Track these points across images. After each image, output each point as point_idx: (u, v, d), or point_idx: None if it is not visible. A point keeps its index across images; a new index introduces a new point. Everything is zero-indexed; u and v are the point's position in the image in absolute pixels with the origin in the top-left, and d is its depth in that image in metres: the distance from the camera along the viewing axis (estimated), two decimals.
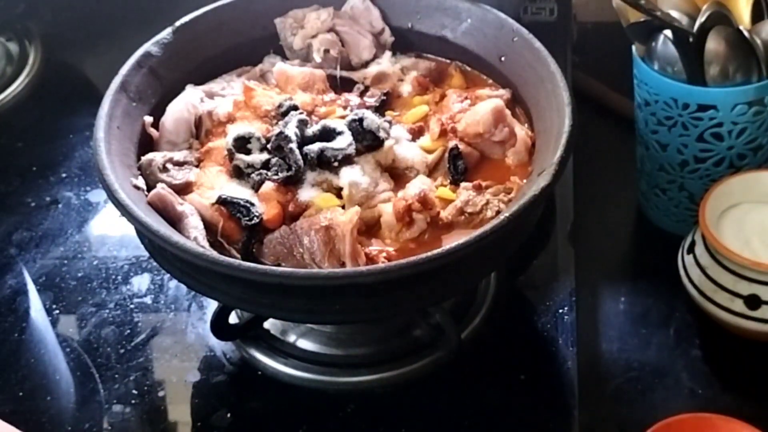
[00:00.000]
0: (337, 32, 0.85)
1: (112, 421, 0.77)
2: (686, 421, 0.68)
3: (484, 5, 0.81)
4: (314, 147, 0.72)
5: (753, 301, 0.74)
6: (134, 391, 0.78)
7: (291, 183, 0.71)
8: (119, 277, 0.88)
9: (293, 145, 0.71)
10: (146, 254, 0.73)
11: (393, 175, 0.74)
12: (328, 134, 0.73)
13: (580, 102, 0.77)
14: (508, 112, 0.75)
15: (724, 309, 0.75)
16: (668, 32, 0.79)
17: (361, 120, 0.74)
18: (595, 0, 1.04)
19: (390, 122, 0.76)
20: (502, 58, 0.79)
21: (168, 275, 0.82)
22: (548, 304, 0.82)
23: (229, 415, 0.76)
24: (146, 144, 0.76)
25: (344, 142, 0.72)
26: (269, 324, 0.80)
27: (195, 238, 0.68)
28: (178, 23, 0.82)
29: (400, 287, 0.65)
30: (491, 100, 0.76)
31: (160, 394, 0.79)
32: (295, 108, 0.76)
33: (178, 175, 0.74)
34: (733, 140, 0.80)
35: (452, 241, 0.65)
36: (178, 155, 0.75)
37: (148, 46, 0.79)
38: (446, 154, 0.74)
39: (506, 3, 0.85)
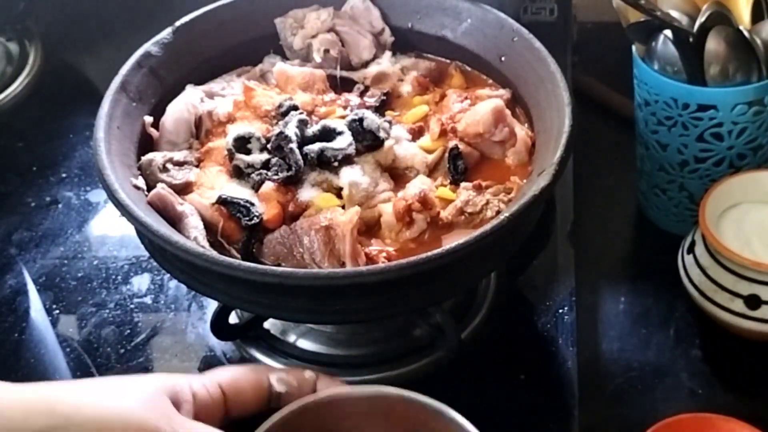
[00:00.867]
0: (337, 32, 0.85)
1: None
2: (686, 421, 0.68)
3: (484, 5, 0.81)
4: (314, 147, 0.72)
5: (753, 301, 0.74)
6: None
7: (291, 183, 0.71)
8: (119, 277, 0.88)
9: (293, 145, 0.71)
10: (146, 254, 0.73)
11: (393, 175, 0.74)
12: (328, 134, 0.73)
13: (580, 102, 0.77)
14: (508, 112, 0.75)
15: (724, 309, 0.75)
16: (668, 32, 0.79)
17: (361, 120, 0.74)
18: (595, 0, 1.04)
19: (390, 122, 0.76)
20: (502, 58, 0.79)
21: (168, 275, 0.82)
22: (548, 304, 0.82)
23: None
24: (146, 144, 0.76)
25: (344, 142, 0.72)
26: (269, 324, 0.80)
27: (195, 238, 0.68)
28: (178, 23, 0.81)
29: (400, 287, 0.65)
30: (491, 100, 0.76)
31: None
32: (295, 108, 0.76)
33: (178, 175, 0.73)
34: (733, 140, 0.80)
35: (452, 241, 0.65)
36: (178, 155, 0.75)
37: (148, 46, 0.79)
38: (446, 154, 0.74)
39: (506, 3, 0.85)
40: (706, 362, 0.79)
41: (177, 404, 0.61)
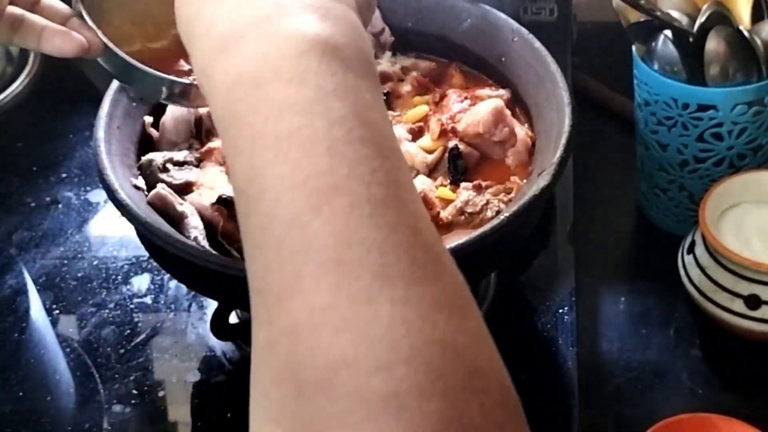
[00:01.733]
0: None
1: (112, 421, 0.77)
2: (686, 421, 0.68)
3: (484, 5, 0.81)
4: None
5: (753, 301, 0.74)
6: (134, 391, 0.78)
7: None
8: (119, 277, 0.88)
9: None
10: (146, 254, 0.73)
11: None
12: None
13: (580, 102, 0.77)
14: (508, 112, 0.75)
15: (724, 309, 0.75)
16: (668, 32, 0.79)
17: None
18: (595, 0, 1.04)
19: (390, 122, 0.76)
20: (502, 58, 0.79)
21: (168, 275, 0.82)
22: (548, 304, 0.82)
23: (229, 415, 0.76)
24: (146, 144, 0.76)
25: None
26: None
27: (195, 238, 0.68)
28: None
29: None
30: (491, 100, 0.76)
31: (160, 394, 0.79)
32: None
33: (178, 175, 0.73)
34: (733, 140, 0.80)
35: (452, 241, 0.65)
36: (178, 155, 0.75)
37: None
38: (446, 154, 0.74)
39: (506, 3, 0.85)
40: (706, 362, 0.79)
41: None
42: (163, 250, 0.66)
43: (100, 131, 0.71)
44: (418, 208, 0.39)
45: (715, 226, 0.77)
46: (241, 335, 0.79)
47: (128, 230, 0.77)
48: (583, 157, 0.89)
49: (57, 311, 0.86)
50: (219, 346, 0.81)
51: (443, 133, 0.75)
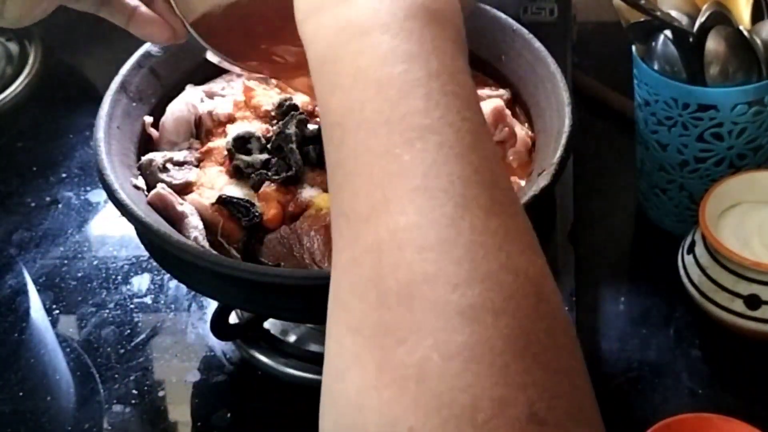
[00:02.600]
0: None
1: (112, 421, 0.77)
2: (686, 421, 0.68)
3: (484, 5, 0.81)
4: (314, 147, 0.72)
5: (753, 301, 0.74)
6: (134, 391, 0.78)
7: (291, 183, 0.71)
8: (119, 277, 0.88)
9: (293, 145, 0.71)
10: (146, 254, 0.73)
11: None
12: None
13: (580, 102, 0.77)
14: (508, 112, 0.75)
15: (724, 309, 0.75)
16: (668, 32, 0.79)
17: None
18: (596, 0, 1.04)
19: None
20: (502, 58, 0.79)
21: (168, 275, 0.82)
22: None
23: (229, 415, 0.76)
24: (146, 144, 0.76)
25: None
26: (269, 324, 0.80)
27: (195, 238, 0.68)
28: None
29: None
30: (491, 100, 0.76)
31: (160, 394, 0.79)
32: (295, 108, 0.76)
33: (178, 175, 0.73)
34: (733, 140, 0.80)
35: None
36: (178, 155, 0.75)
37: (148, 46, 0.79)
38: None
39: (506, 3, 0.85)
40: (706, 362, 0.79)
41: None
42: (163, 250, 0.66)
43: (100, 131, 0.71)
44: (497, 159, 0.43)
45: (715, 226, 0.77)
46: (241, 335, 0.79)
47: (128, 230, 0.78)
48: (583, 157, 0.89)
49: (57, 311, 0.86)
50: (219, 346, 0.81)
51: None
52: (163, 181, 0.72)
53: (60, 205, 0.97)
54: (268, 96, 0.78)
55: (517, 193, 0.44)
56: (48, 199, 0.98)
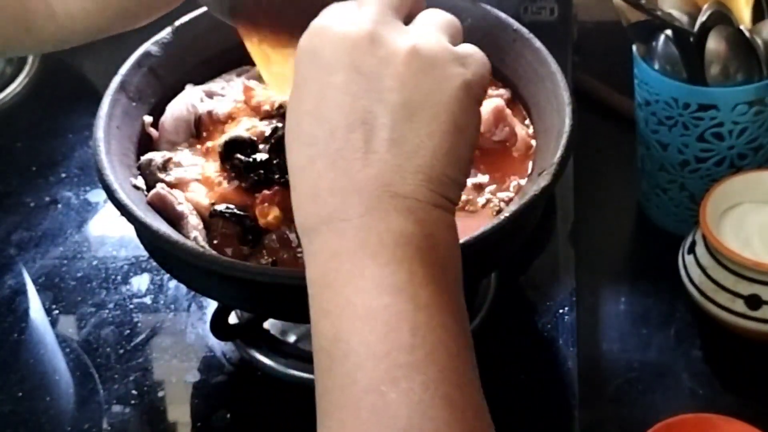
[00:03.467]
0: None
1: (112, 421, 0.76)
2: (687, 421, 0.68)
3: (484, 5, 0.81)
4: None
5: (754, 302, 0.74)
6: (134, 391, 0.78)
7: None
8: (119, 277, 0.88)
9: None
10: (146, 254, 0.73)
11: None
12: None
13: (581, 102, 0.77)
14: (508, 111, 0.75)
15: (724, 309, 0.75)
16: (669, 32, 0.79)
17: None
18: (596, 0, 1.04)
19: None
20: (503, 58, 0.79)
21: (168, 275, 0.82)
22: (548, 304, 0.82)
23: (229, 415, 0.76)
24: (146, 144, 0.76)
25: None
26: (269, 324, 0.80)
27: (195, 238, 0.68)
28: (177, 23, 0.81)
29: None
30: (491, 100, 0.76)
31: (160, 394, 0.78)
32: None
33: (178, 175, 0.73)
34: (733, 140, 0.80)
35: None
36: (178, 155, 0.75)
37: (148, 46, 0.79)
38: None
39: (506, 3, 0.84)
40: (707, 362, 0.79)
41: None
42: (163, 250, 0.66)
43: (100, 131, 0.71)
44: (479, 390, 0.45)
45: (715, 226, 0.77)
46: (240, 335, 0.79)
47: (128, 230, 0.77)
48: (584, 157, 0.89)
49: (56, 311, 0.86)
50: (219, 346, 0.81)
51: None
52: (162, 180, 0.72)
53: (59, 205, 0.97)
54: (268, 96, 0.78)
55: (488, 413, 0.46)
56: (47, 199, 0.98)
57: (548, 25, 0.93)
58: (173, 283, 0.86)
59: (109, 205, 0.68)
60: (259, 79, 0.83)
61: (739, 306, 0.75)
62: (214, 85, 0.81)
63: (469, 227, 0.69)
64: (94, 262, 0.90)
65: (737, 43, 0.77)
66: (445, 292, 0.45)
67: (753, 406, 0.75)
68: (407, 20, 0.51)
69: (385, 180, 0.46)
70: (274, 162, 0.72)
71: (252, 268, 0.63)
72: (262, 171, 0.71)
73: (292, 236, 0.68)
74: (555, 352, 0.78)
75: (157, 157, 0.74)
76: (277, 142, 0.72)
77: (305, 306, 0.66)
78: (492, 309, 0.81)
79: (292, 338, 0.80)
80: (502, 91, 0.79)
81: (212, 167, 0.74)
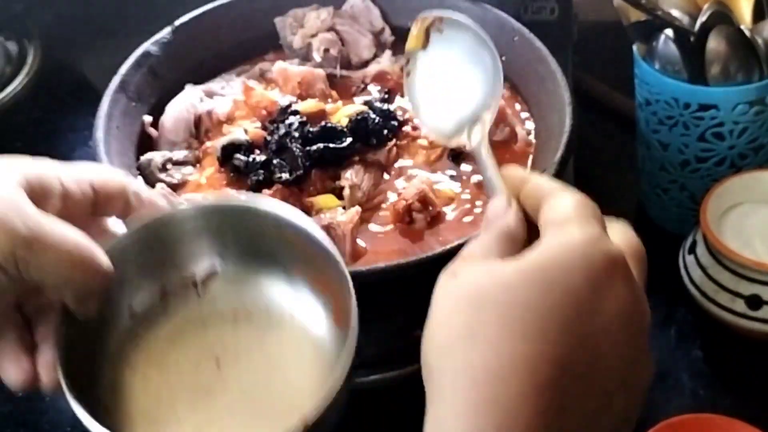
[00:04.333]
0: (337, 31, 0.84)
1: None
2: (688, 421, 0.67)
3: (484, 5, 0.81)
4: (316, 147, 0.71)
5: (754, 302, 0.74)
6: None
7: (296, 184, 0.71)
8: None
9: (295, 146, 0.71)
10: None
11: (393, 174, 0.74)
12: (329, 134, 0.73)
13: (581, 101, 0.77)
14: (509, 111, 0.75)
15: (725, 309, 0.75)
16: (669, 31, 0.79)
17: (362, 120, 0.73)
18: None
19: (399, 122, 0.76)
20: (503, 58, 0.79)
21: None
22: None
23: None
24: (145, 144, 0.76)
25: (345, 142, 0.72)
26: None
27: None
28: (177, 23, 0.81)
29: (400, 286, 0.65)
30: None
31: None
32: (296, 112, 0.75)
33: (177, 175, 0.73)
34: (734, 140, 0.79)
35: (456, 239, 0.65)
36: (178, 155, 0.75)
37: (148, 46, 0.79)
38: (446, 153, 0.74)
39: (507, 2, 0.84)
40: (708, 363, 0.79)
41: (43, 197, 0.51)
42: None
43: (99, 131, 0.71)
44: None
45: (716, 226, 0.77)
46: None
47: None
48: (584, 157, 0.89)
49: None
50: None
51: None
52: (162, 180, 0.72)
53: None
54: (268, 95, 0.78)
55: None
56: None
57: (548, 24, 0.93)
58: None
59: None
60: (258, 78, 0.83)
61: (740, 306, 0.75)
62: (214, 85, 0.82)
63: (470, 226, 0.69)
64: None
65: (738, 43, 0.77)
66: None
67: (753, 406, 0.75)
68: None
69: None
70: (274, 162, 0.72)
71: None
72: (262, 171, 0.71)
73: None
74: None
75: (156, 156, 0.74)
76: (279, 143, 0.72)
77: None
78: None
79: None
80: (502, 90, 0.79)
81: (212, 167, 0.74)
